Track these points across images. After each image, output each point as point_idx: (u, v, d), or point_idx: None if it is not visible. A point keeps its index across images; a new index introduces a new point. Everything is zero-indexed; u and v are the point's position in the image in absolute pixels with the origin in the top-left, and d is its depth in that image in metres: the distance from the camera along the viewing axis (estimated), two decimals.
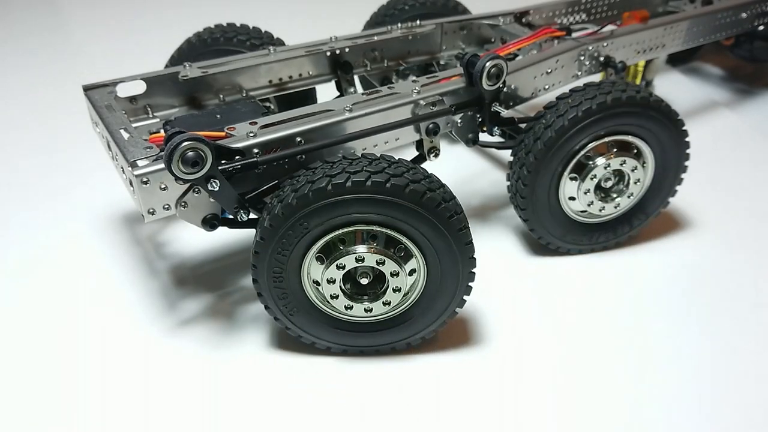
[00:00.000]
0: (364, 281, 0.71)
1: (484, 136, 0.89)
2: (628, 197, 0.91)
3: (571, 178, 0.86)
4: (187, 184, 0.67)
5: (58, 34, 1.82)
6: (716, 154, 1.23)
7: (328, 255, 0.69)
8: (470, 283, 0.74)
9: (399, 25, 1.07)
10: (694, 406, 0.73)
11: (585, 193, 0.87)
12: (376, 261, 0.69)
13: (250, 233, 0.96)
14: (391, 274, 0.70)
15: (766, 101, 1.44)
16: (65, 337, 0.81)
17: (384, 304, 0.73)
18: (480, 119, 0.87)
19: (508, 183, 0.90)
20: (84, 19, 1.92)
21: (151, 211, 0.68)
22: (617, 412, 0.72)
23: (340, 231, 0.68)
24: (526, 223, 0.90)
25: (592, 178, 0.86)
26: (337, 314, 0.74)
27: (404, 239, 0.69)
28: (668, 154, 0.89)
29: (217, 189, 0.67)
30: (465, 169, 1.16)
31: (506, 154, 1.19)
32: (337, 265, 0.69)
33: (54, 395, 0.73)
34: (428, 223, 0.67)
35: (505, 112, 0.85)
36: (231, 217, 0.75)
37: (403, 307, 0.74)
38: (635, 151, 0.87)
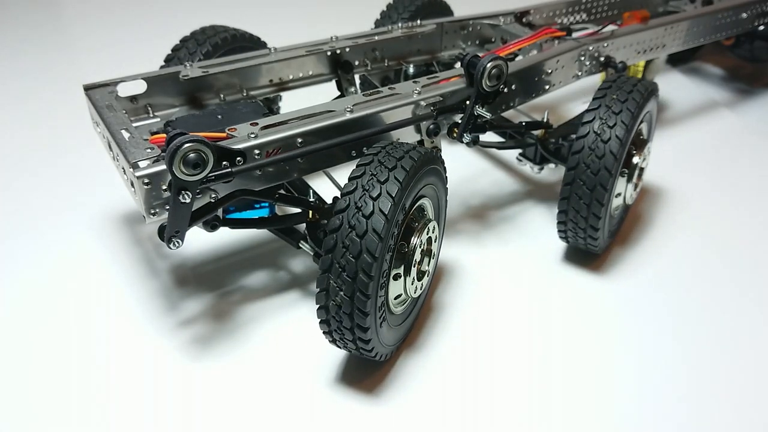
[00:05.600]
0: (418, 257, 0.73)
1: (483, 136, 0.89)
2: (641, 180, 0.93)
3: (621, 174, 0.87)
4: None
5: (59, 34, 1.81)
6: (716, 154, 1.24)
7: (408, 238, 0.70)
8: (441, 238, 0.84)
9: (399, 24, 1.07)
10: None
11: (632, 185, 0.89)
12: (432, 229, 0.74)
13: (251, 233, 0.97)
14: (435, 240, 0.76)
15: (766, 101, 1.44)
16: (65, 336, 0.81)
17: (427, 275, 0.77)
18: (450, 124, 0.85)
19: (566, 197, 0.84)
20: (84, 18, 1.91)
21: (153, 211, 0.68)
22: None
23: (411, 211, 0.71)
24: (595, 233, 0.85)
25: (637, 170, 0.88)
26: (399, 309, 0.75)
27: (428, 203, 0.75)
28: (651, 128, 0.95)
29: (187, 202, 0.64)
30: (465, 169, 1.16)
31: (506, 154, 1.20)
32: (418, 244, 0.71)
33: (53, 395, 0.73)
34: (443, 182, 0.77)
35: (487, 116, 0.84)
36: (232, 217, 0.76)
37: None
38: (644, 133, 0.92)
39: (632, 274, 0.93)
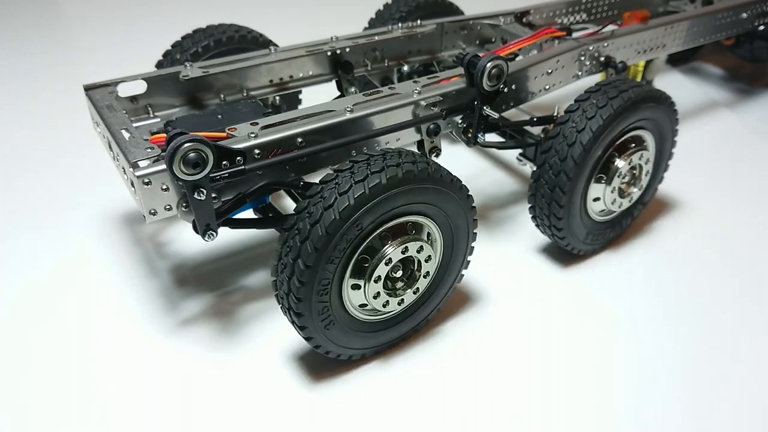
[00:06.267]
0: (399, 273, 0.73)
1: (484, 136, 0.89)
2: (639, 189, 0.92)
3: (597, 180, 0.86)
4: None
5: (59, 34, 1.81)
6: (716, 154, 1.24)
7: (373, 252, 0.69)
8: (469, 257, 0.79)
9: (400, 24, 1.07)
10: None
11: (612, 191, 0.88)
12: (417, 249, 0.71)
13: (250, 233, 0.97)
14: (426, 260, 0.73)
15: (766, 101, 1.44)
16: (65, 336, 0.81)
17: (414, 292, 0.75)
18: (465, 125, 0.85)
19: (533, 194, 0.86)
20: (84, 18, 1.91)
21: (153, 211, 0.68)
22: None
23: (385, 227, 0.68)
24: (558, 232, 0.87)
25: (618, 176, 0.87)
26: (370, 317, 0.74)
27: (429, 222, 0.72)
28: (665, 140, 0.93)
29: (202, 199, 0.65)
30: (465, 169, 1.16)
31: (506, 154, 1.20)
32: (385, 261, 0.69)
33: (53, 394, 0.73)
34: (454, 203, 0.72)
35: (496, 116, 0.83)
36: (232, 217, 0.75)
37: (427, 289, 0.77)
38: (644, 142, 0.90)
39: (632, 274, 0.93)
